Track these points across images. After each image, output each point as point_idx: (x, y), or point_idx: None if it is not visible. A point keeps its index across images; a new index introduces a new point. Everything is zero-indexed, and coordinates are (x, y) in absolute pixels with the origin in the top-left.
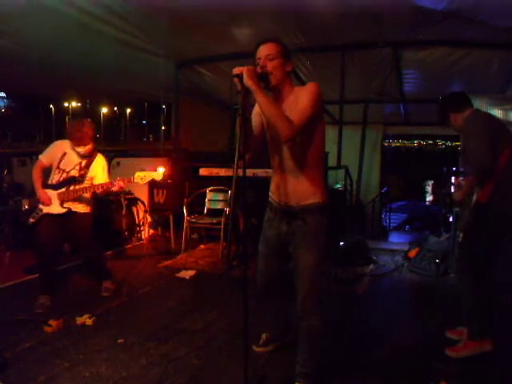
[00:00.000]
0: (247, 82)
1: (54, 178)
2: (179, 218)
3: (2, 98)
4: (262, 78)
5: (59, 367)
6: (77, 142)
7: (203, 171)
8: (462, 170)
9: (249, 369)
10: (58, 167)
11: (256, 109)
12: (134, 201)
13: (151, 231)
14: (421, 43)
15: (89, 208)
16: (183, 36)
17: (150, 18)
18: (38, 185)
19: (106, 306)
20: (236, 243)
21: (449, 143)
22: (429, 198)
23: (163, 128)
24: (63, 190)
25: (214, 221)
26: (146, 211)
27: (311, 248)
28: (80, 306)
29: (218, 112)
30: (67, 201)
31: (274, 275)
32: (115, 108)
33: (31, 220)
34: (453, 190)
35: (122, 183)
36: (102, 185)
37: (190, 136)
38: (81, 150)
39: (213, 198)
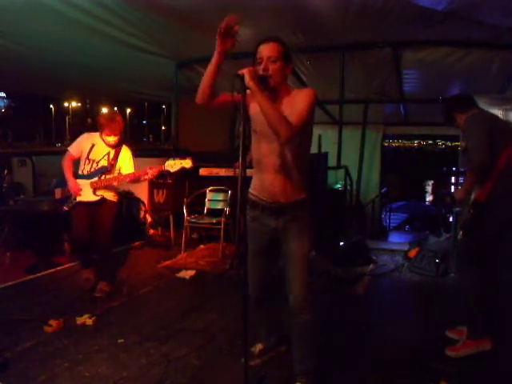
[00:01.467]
0: (249, 82)
1: (85, 168)
2: (179, 218)
3: (1, 98)
4: (262, 80)
5: (59, 367)
6: (109, 131)
7: (203, 171)
8: (462, 169)
9: (249, 369)
10: (87, 158)
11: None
12: (134, 201)
13: (151, 231)
14: (421, 43)
15: (117, 198)
16: (183, 36)
17: (150, 17)
18: (68, 175)
19: (106, 305)
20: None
21: (449, 143)
22: (429, 198)
23: (163, 128)
24: (96, 179)
25: (214, 221)
26: (145, 211)
27: (302, 239)
28: (80, 305)
29: (218, 112)
30: (99, 189)
31: (267, 274)
32: (115, 108)
33: (65, 208)
34: (453, 190)
35: (154, 171)
36: (134, 174)
37: (190, 136)
38: (110, 139)
39: (213, 198)
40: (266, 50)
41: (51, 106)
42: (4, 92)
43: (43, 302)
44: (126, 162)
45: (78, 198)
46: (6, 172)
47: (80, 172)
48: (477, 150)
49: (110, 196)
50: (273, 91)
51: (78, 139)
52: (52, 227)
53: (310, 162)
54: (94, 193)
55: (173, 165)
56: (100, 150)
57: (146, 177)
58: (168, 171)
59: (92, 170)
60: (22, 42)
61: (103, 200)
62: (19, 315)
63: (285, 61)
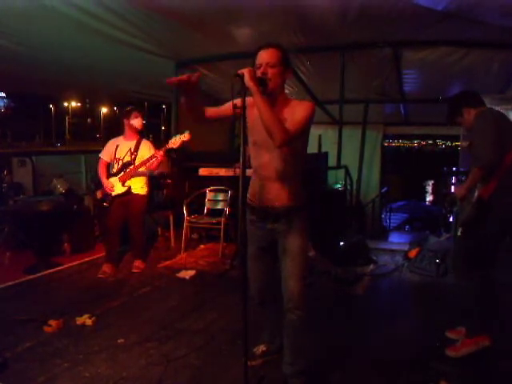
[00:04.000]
0: (248, 82)
1: (114, 167)
2: (179, 218)
3: (1, 97)
4: (261, 83)
5: (59, 367)
6: (136, 113)
7: (203, 171)
8: (462, 169)
9: (249, 369)
10: (115, 158)
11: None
12: None
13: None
14: (421, 43)
15: (145, 191)
16: (183, 36)
17: (150, 17)
18: (103, 177)
19: (106, 306)
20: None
21: (449, 143)
22: (429, 198)
23: (163, 128)
24: (122, 174)
25: (214, 221)
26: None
27: (298, 237)
28: (80, 306)
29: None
30: (126, 181)
31: (268, 276)
32: (115, 108)
33: (105, 204)
34: (453, 189)
35: (161, 152)
36: (146, 160)
37: (190, 136)
38: (137, 121)
39: (213, 198)
40: (264, 56)
41: (51, 106)
42: (4, 92)
43: (43, 302)
44: (146, 152)
45: (113, 194)
46: (5, 172)
47: (111, 171)
48: (486, 147)
49: (138, 189)
50: (271, 95)
51: (106, 146)
52: (52, 227)
53: (304, 168)
54: (123, 185)
55: (174, 141)
56: (123, 148)
57: (158, 156)
58: (172, 148)
59: (119, 167)
60: (21, 41)
61: (130, 191)
62: (19, 315)
63: (284, 66)
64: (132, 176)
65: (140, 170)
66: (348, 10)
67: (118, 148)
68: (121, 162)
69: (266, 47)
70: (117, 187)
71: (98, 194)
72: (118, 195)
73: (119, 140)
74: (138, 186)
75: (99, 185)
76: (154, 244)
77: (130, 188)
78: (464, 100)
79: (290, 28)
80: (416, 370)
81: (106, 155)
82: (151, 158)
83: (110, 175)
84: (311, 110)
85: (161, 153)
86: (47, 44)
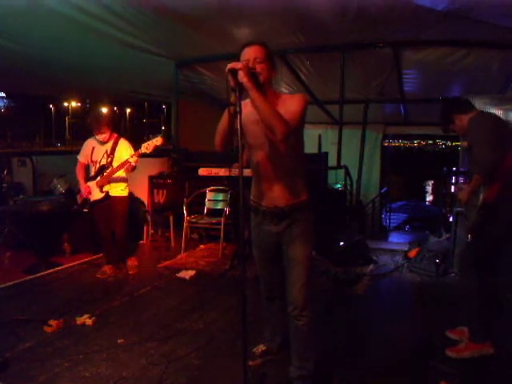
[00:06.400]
0: (243, 78)
1: (92, 170)
2: (179, 218)
3: (1, 97)
4: (254, 76)
5: (59, 367)
6: (96, 130)
7: (203, 171)
8: (462, 169)
9: (249, 369)
10: (91, 161)
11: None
12: (133, 201)
13: (151, 231)
14: (421, 43)
15: (126, 193)
16: (183, 36)
17: (150, 17)
18: (80, 181)
19: (106, 306)
20: (236, 243)
21: (449, 143)
22: (429, 198)
23: (163, 128)
24: (99, 178)
25: (214, 221)
26: (145, 211)
27: (303, 243)
28: (80, 305)
29: (218, 112)
30: (104, 185)
31: (277, 277)
32: (115, 108)
33: (85, 210)
34: (453, 190)
35: (135, 156)
36: (120, 164)
37: (190, 136)
38: (101, 137)
39: (213, 198)
40: (251, 52)
41: (51, 106)
42: (4, 92)
43: (43, 302)
44: (123, 154)
45: (92, 199)
46: (5, 172)
47: (90, 175)
48: (484, 150)
49: (117, 192)
50: (262, 87)
51: (82, 147)
52: (52, 227)
53: (305, 164)
54: (100, 190)
55: (147, 146)
56: (99, 150)
57: (132, 162)
58: (145, 152)
59: (96, 170)
60: (22, 42)
61: (108, 196)
62: (19, 315)
63: (270, 62)
64: (109, 181)
65: (117, 174)
66: (348, 9)
67: (94, 150)
68: (97, 165)
69: (252, 44)
70: (95, 192)
71: (78, 199)
72: (97, 201)
73: (93, 141)
74: (118, 188)
75: (79, 189)
76: (154, 244)
77: (107, 193)
78: (454, 107)
79: (289, 28)
80: (416, 370)
81: (82, 157)
82: (125, 163)
83: (88, 178)
84: (305, 101)
85: (134, 158)
86: (47, 44)
